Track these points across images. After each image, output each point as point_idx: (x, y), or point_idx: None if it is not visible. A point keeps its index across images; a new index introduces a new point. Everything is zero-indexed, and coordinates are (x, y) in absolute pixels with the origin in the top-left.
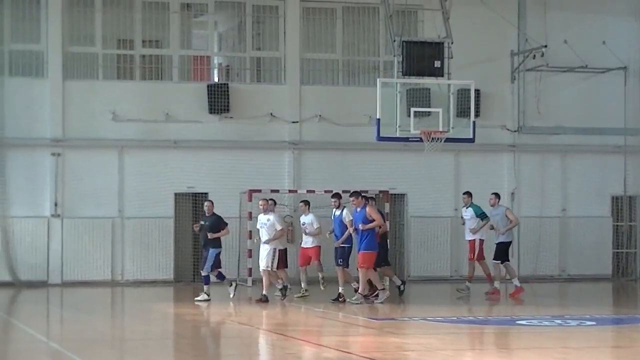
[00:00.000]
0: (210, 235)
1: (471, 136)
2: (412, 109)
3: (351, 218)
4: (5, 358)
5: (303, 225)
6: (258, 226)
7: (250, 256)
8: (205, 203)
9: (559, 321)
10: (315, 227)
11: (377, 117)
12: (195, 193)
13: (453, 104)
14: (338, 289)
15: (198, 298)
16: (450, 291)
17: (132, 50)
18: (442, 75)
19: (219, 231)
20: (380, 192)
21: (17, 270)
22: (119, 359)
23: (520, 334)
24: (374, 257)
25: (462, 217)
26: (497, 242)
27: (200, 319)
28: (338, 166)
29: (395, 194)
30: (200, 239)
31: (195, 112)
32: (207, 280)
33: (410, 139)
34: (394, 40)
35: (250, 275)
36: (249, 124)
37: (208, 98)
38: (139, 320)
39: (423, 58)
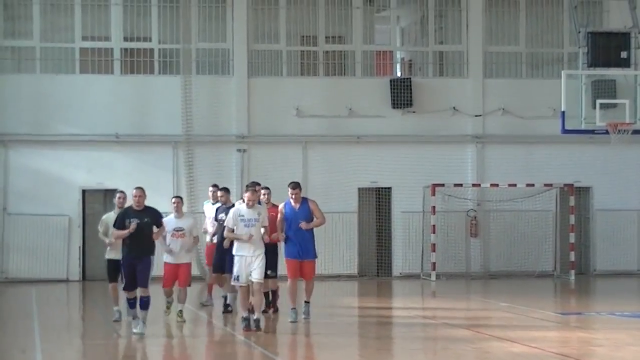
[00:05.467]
0: (156, 235)
1: None
2: (598, 101)
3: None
4: (195, 351)
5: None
6: (241, 223)
7: (434, 250)
8: (134, 191)
9: None
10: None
11: (562, 110)
12: (379, 188)
13: None
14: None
15: (136, 330)
16: (637, 286)
17: (316, 46)
18: (629, 66)
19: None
20: (564, 185)
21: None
22: (305, 353)
23: None
24: None
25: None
26: None
27: (385, 314)
28: (522, 159)
29: (580, 187)
30: (130, 244)
31: (378, 107)
32: (146, 304)
33: (595, 131)
34: (579, 32)
35: (434, 269)
36: (431, 118)
37: (391, 93)
38: (324, 314)
39: (609, 49)
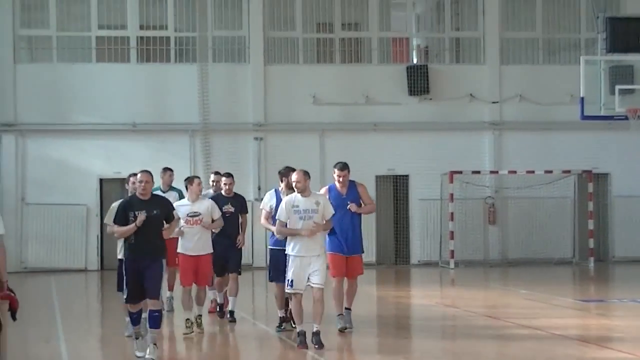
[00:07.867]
0: (167, 233)
1: None
2: (617, 87)
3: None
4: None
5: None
6: (295, 216)
7: (452, 238)
8: (139, 175)
9: None
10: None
11: (581, 96)
12: (396, 175)
13: None
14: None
15: (141, 355)
16: None
17: (332, 33)
18: None
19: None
20: (583, 171)
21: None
22: (331, 341)
23: None
24: None
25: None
26: None
27: (404, 302)
28: (539, 146)
29: (598, 174)
30: (135, 243)
31: (395, 94)
32: (158, 320)
33: (615, 117)
34: (597, 17)
35: (452, 257)
36: (448, 105)
37: (407, 80)
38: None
39: (628, 34)
